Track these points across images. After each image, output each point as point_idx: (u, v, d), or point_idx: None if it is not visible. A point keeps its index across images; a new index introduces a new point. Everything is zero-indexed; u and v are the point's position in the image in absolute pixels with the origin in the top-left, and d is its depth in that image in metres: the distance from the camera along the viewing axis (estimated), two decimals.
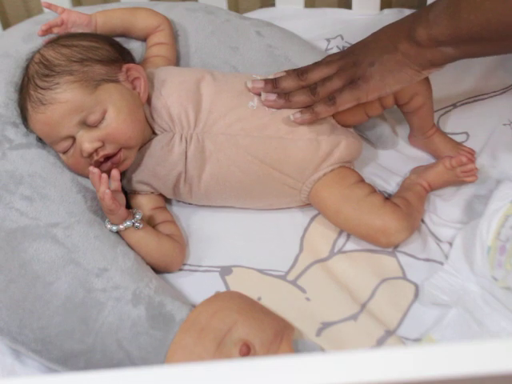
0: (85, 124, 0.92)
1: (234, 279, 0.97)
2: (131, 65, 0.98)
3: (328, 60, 0.99)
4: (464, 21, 0.85)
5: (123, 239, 0.94)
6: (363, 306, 0.93)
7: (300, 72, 0.99)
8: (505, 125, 1.12)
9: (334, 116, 1.00)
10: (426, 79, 1.00)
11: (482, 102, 1.15)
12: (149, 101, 0.98)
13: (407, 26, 0.91)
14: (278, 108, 0.99)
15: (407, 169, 1.07)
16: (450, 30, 0.86)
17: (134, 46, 1.10)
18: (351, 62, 0.95)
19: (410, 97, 1.01)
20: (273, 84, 0.99)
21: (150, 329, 0.86)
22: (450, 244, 0.98)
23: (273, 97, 0.98)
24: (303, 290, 0.96)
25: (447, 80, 1.17)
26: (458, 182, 1.04)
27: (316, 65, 0.99)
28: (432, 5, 0.90)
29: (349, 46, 1.02)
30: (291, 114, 0.97)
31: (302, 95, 0.97)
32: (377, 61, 0.93)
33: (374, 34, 0.97)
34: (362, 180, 1.01)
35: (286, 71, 1.01)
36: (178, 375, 0.50)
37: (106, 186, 0.90)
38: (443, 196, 1.04)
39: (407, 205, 0.98)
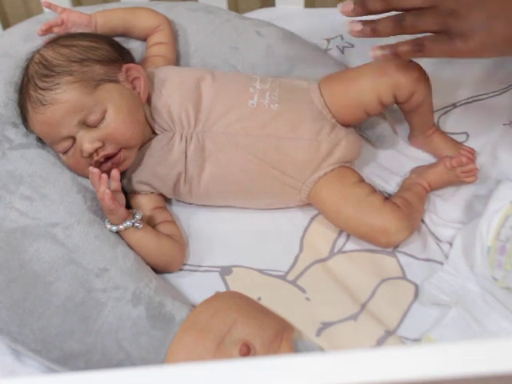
0: (85, 124, 0.92)
1: (234, 279, 0.97)
2: (131, 65, 0.99)
3: None
4: None
5: (123, 239, 0.94)
6: (363, 306, 0.93)
7: None
8: (505, 125, 1.12)
9: (333, 115, 1.00)
10: (426, 76, 0.99)
11: (482, 101, 1.15)
12: (149, 101, 0.98)
13: None
14: (365, 37, 0.91)
15: (407, 169, 1.07)
16: None
17: (134, 46, 1.11)
18: (450, 8, 0.84)
19: (410, 94, 1.00)
20: (361, 5, 0.91)
21: (150, 329, 0.86)
22: (450, 244, 0.98)
23: (359, 26, 0.91)
24: (303, 290, 0.96)
25: (447, 80, 1.17)
26: (458, 182, 1.04)
27: None
28: None
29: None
30: (371, 49, 0.91)
31: (387, 25, 0.89)
32: (484, 26, 0.83)
33: None
34: (362, 180, 1.01)
35: None
36: (178, 375, 0.50)
37: (106, 186, 0.90)
38: (443, 196, 1.04)
39: (407, 205, 0.98)
